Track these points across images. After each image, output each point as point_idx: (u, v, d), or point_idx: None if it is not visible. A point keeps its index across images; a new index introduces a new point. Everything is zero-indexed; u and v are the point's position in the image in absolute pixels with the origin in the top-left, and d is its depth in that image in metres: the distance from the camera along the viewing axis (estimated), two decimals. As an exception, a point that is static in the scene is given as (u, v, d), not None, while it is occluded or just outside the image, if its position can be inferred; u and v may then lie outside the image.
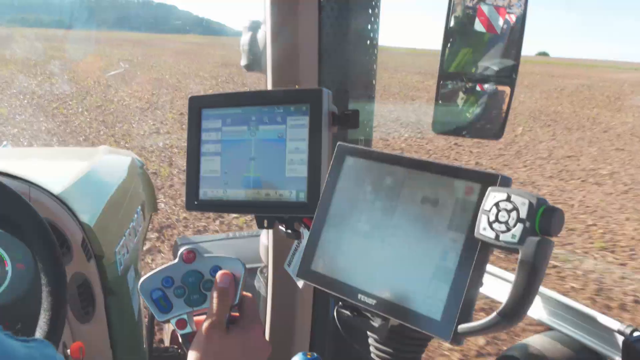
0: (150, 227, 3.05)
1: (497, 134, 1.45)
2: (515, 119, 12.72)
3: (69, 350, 1.32)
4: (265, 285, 1.72)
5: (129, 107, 12.26)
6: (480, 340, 3.47)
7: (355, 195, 0.91)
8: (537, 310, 1.13)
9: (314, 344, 1.68)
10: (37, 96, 13.00)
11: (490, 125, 1.50)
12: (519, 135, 11.20)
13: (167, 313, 0.87)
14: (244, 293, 0.88)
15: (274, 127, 1.15)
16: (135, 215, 2.16)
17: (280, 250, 1.58)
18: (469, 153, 9.48)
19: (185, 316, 0.87)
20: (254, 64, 1.63)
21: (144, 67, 20.59)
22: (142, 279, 0.87)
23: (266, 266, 1.71)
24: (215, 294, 0.84)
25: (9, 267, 1.30)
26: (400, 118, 12.38)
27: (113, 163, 2.37)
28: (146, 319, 2.23)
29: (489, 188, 0.76)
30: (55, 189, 1.58)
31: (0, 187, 1.03)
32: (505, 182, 0.76)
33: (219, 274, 0.85)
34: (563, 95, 19.41)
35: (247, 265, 2.41)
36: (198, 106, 1.23)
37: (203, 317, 0.85)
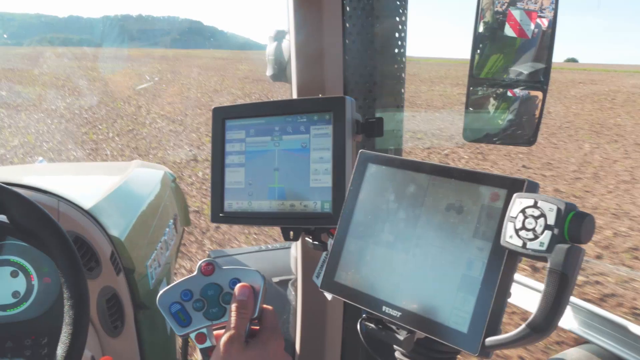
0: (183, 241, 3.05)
1: (530, 140, 1.42)
2: (577, 134, 12.12)
3: None
4: (296, 297, 1.70)
5: (162, 131, 11.44)
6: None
7: (378, 205, 0.89)
8: (571, 322, 1.09)
9: (345, 357, 1.65)
10: (66, 120, 12.34)
11: (523, 131, 1.47)
12: (588, 154, 10.40)
13: (187, 327, 0.85)
14: (264, 306, 0.86)
15: (298, 137, 1.13)
16: (167, 229, 2.17)
17: (309, 262, 1.56)
18: (541, 177, 8.52)
19: (204, 330, 0.85)
20: (280, 74, 1.62)
21: (174, 85, 20.03)
22: (160, 292, 0.85)
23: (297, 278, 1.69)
24: (233, 307, 0.82)
25: (35, 281, 1.30)
26: (455, 137, 11.53)
27: (145, 177, 2.38)
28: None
29: (515, 194, 0.73)
30: (86, 203, 1.59)
31: (24, 201, 1.03)
32: (532, 188, 0.73)
33: (237, 286, 0.84)
34: (616, 105, 18.36)
35: (279, 278, 2.40)
36: (222, 117, 1.22)
37: (222, 331, 0.83)
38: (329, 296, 1.28)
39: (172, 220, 2.27)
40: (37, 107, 13.90)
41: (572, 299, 1.08)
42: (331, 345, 1.63)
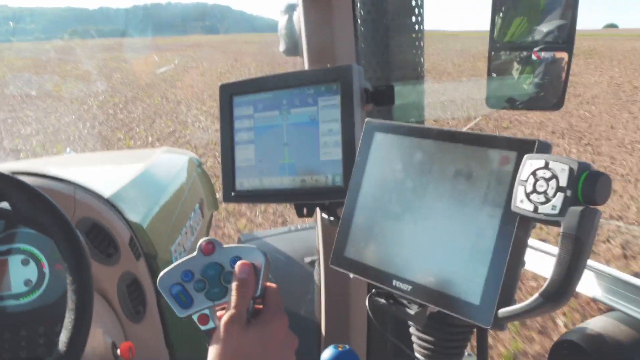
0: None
1: (558, 103, 1.37)
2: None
3: (118, 350, 1.30)
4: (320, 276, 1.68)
5: (208, 131, 9.72)
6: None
7: (386, 175, 0.84)
8: (595, 289, 1.03)
9: (371, 335, 1.62)
10: (99, 122, 10.86)
11: (549, 95, 1.42)
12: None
13: (188, 308, 0.83)
14: (268, 284, 0.82)
15: (306, 110, 1.09)
16: (193, 214, 2.16)
17: (330, 239, 1.52)
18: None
19: (207, 311, 0.82)
20: (293, 48, 1.58)
21: (211, 74, 18.40)
22: (160, 274, 0.83)
23: (322, 257, 1.66)
24: (234, 286, 0.79)
25: (46, 269, 1.30)
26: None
27: (169, 163, 2.38)
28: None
29: (525, 155, 0.68)
30: (105, 190, 1.58)
31: (25, 187, 1.01)
32: (544, 149, 0.68)
33: (237, 264, 0.80)
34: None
35: (310, 258, 2.37)
36: (229, 93, 1.19)
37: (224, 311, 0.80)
38: (350, 275, 1.26)
39: (198, 205, 2.27)
40: (68, 107, 12.54)
41: (595, 264, 1.03)
42: (356, 323, 1.60)
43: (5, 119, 11.29)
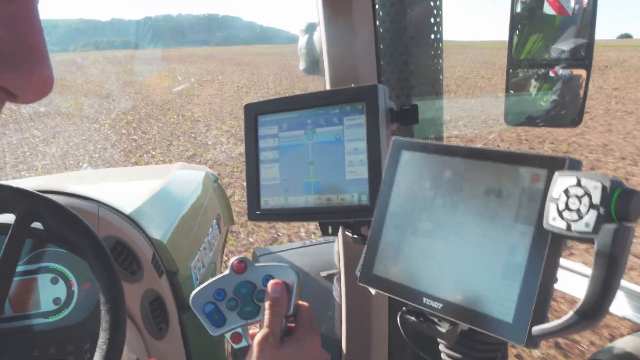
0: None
1: (576, 120, 1.38)
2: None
3: None
4: (340, 292, 1.68)
5: (231, 156, 8.89)
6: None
7: (414, 193, 0.85)
8: (625, 308, 1.03)
9: (392, 352, 1.62)
10: (111, 144, 10.29)
11: (567, 112, 1.42)
12: None
13: (221, 327, 0.84)
14: (300, 302, 0.83)
15: (331, 129, 1.11)
16: (210, 229, 2.17)
17: (352, 256, 1.53)
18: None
19: (240, 330, 0.83)
20: (313, 67, 1.61)
21: (229, 88, 17.56)
22: (193, 293, 0.84)
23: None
24: (267, 305, 0.80)
25: (75, 287, 1.31)
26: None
27: (186, 179, 2.39)
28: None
29: (556, 172, 0.69)
30: (126, 208, 1.60)
31: (57, 208, 1.03)
32: (575, 166, 0.69)
33: (270, 283, 0.81)
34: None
35: (326, 272, 2.38)
36: (254, 113, 1.21)
37: (257, 330, 0.81)
38: (372, 291, 1.26)
39: (215, 221, 2.28)
40: (77, 126, 12.00)
41: (626, 283, 1.03)
42: (378, 340, 1.60)
43: (9, 141, 10.73)
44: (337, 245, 1.64)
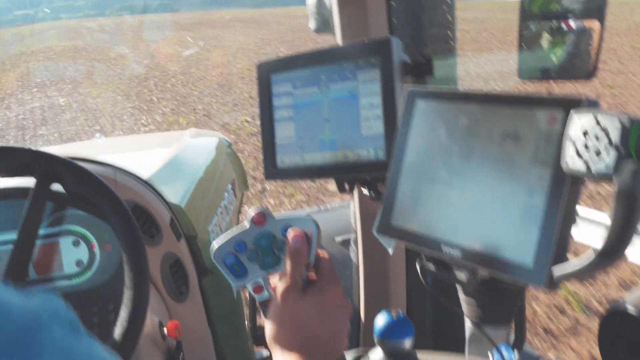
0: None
1: (590, 73, 1.36)
2: None
3: (165, 329, 1.34)
4: (357, 254, 1.69)
5: None
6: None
7: (430, 142, 0.85)
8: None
9: (411, 310, 1.63)
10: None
11: (581, 64, 1.41)
12: None
13: (243, 278, 0.85)
14: (320, 252, 0.84)
15: (346, 85, 1.10)
16: (226, 194, 2.19)
17: (368, 216, 1.54)
18: None
19: (261, 280, 0.84)
20: (324, 25, 1.59)
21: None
22: (213, 245, 0.85)
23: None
24: (287, 255, 0.81)
25: (96, 249, 1.33)
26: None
27: (200, 145, 2.41)
28: (248, 298, 2.26)
29: (573, 112, 0.68)
30: (143, 173, 1.61)
31: (78, 169, 1.04)
32: (592, 105, 0.68)
33: (290, 233, 0.82)
34: None
35: (341, 237, 2.38)
36: (267, 72, 1.20)
37: (278, 280, 0.82)
38: (390, 250, 1.26)
39: (230, 185, 2.29)
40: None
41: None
42: (396, 300, 1.61)
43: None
44: (353, 205, 1.64)
